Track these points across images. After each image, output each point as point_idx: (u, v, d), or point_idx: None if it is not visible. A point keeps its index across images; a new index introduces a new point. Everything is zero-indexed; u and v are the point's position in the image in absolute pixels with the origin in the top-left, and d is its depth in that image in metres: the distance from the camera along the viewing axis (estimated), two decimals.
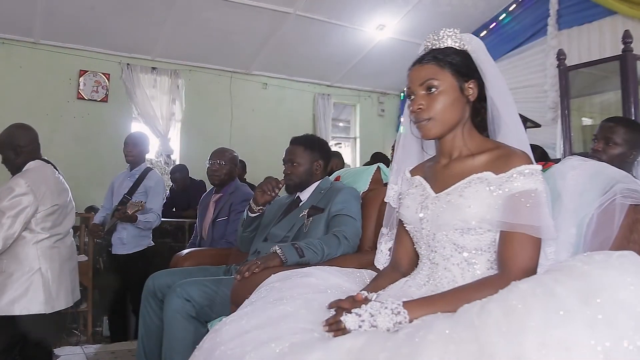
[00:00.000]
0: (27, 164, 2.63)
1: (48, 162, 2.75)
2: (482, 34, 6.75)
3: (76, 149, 5.72)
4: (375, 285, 1.44)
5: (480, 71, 1.41)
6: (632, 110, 3.17)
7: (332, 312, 1.24)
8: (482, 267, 1.30)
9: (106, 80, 5.97)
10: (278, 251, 1.93)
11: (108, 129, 5.97)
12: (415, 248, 1.49)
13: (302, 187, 2.45)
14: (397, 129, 8.32)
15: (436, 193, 1.38)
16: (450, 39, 1.44)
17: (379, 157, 4.57)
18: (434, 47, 1.45)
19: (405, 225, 1.45)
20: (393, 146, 3.33)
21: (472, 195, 1.28)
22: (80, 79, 5.86)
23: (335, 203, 2.24)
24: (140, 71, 6.14)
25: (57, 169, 2.78)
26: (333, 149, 8.32)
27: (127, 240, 3.60)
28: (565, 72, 3.03)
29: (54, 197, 2.63)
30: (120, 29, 5.69)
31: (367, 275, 1.61)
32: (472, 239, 1.29)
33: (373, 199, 2.38)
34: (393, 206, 1.57)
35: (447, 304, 1.16)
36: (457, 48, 1.43)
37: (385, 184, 2.66)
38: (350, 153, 8.27)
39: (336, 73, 7.39)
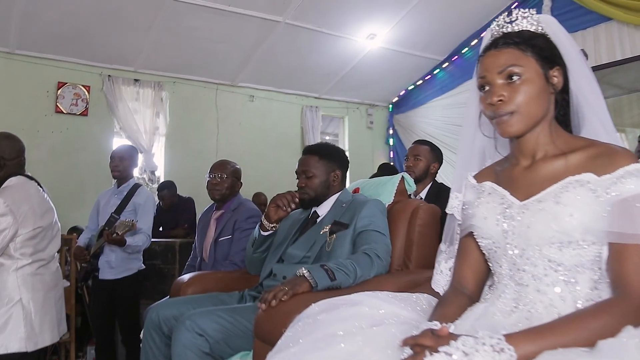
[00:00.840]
0: (8, 180, 2.32)
1: (32, 178, 2.44)
2: (473, 43, 6.66)
3: (54, 166, 5.37)
4: (443, 313, 1.19)
5: (563, 57, 1.19)
6: None
7: (406, 350, 0.99)
8: (585, 287, 1.06)
9: (86, 93, 5.64)
10: (305, 274, 1.67)
11: (88, 144, 5.63)
12: (485, 266, 1.25)
13: (319, 201, 2.21)
14: (387, 141, 8.20)
15: (521, 201, 1.14)
16: (525, 21, 1.23)
17: (387, 169, 4.34)
18: (506, 31, 1.23)
19: (479, 240, 1.21)
20: (407, 156, 3.11)
21: (572, 201, 1.06)
22: (59, 91, 5.51)
23: (362, 218, 2.00)
24: (122, 83, 5.83)
25: (41, 186, 2.48)
26: None
27: (116, 264, 3.29)
28: None
29: (36, 218, 2.33)
30: (101, 38, 5.38)
31: (425, 300, 1.36)
32: (572, 254, 1.06)
33: (400, 212, 2.15)
34: (457, 218, 1.33)
35: (561, 336, 0.92)
36: (534, 31, 1.21)
37: (410, 195, 2.44)
38: None
39: (324, 84, 7.19)
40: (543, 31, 1.21)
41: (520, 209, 1.12)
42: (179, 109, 6.22)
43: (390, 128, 8.14)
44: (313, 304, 1.35)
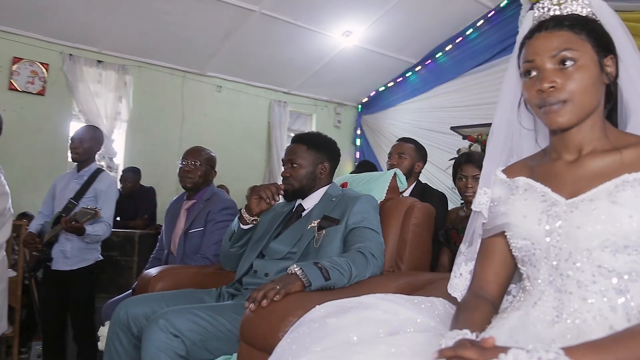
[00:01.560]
0: None
1: None
2: (447, 48, 6.64)
3: (6, 147, 4.99)
4: (470, 320, 1.05)
5: (616, 45, 1.08)
6: None
7: None
8: (637, 297, 0.95)
9: (44, 71, 5.28)
10: (297, 272, 1.51)
11: (44, 125, 5.27)
12: (511, 270, 1.13)
13: (303, 193, 2.06)
14: (353, 142, 8.10)
15: (567, 199, 1.02)
16: (576, 3, 1.10)
17: (367, 166, 4.22)
18: (554, 14, 1.11)
19: (514, 240, 1.08)
20: (390, 154, 2.99)
21: (631, 201, 0.94)
22: (14, 67, 5.11)
23: (354, 213, 1.86)
24: (84, 64, 5.48)
25: None
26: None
27: (72, 254, 3.02)
28: None
29: None
30: (64, 14, 5.01)
31: (440, 305, 1.23)
32: (627, 259, 0.95)
33: (393, 210, 2.02)
34: (485, 216, 1.19)
35: (629, 350, 0.81)
36: (585, 15, 1.10)
37: (402, 192, 2.32)
38: None
39: (295, 79, 7.02)
40: (595, 16, 1.10)
41: (568, 207, 1.00)
42: (143, 95, 5.93)
43: (358, 128, 8.05)
44: (317, 306, 1.20)
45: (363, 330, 1.05)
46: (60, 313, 3.12)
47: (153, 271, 2.16)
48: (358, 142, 8.03)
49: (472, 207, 1.23)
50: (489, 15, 6.18)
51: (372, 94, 7.81)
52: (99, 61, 5.61)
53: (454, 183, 2.68)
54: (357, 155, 7.90)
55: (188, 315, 1.59)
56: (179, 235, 2.61)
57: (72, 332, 3.15)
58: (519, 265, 1.11)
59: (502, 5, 6.03)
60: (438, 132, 6.68)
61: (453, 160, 3.56)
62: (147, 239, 4.48)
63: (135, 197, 4.82)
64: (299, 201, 2.08)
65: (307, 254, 1.84)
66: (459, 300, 1.23)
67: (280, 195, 1.97)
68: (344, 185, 2.24)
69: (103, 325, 2.21)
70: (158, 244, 2.85)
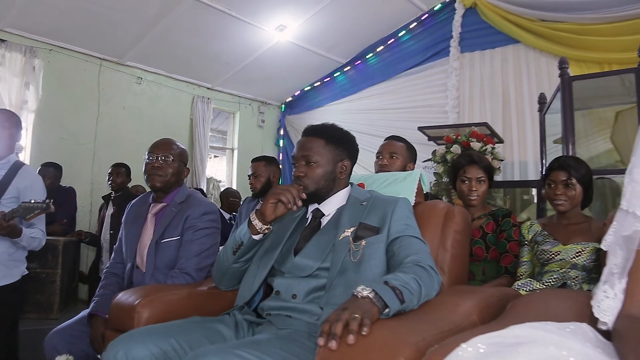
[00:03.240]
0: None
1: None
2: (379, 49, 6.60)
3: None
4: None
5: None
6: None
7: None
8: None
9: None
10: (370, 295, 1.20)
11: None
12: None
13: (320, 196, 1.72)
14: (277, 142, 7.82)
15: None
16: None
17: None
18: None
19: None
20: (379, 154, 2.77)
21: None
22: None
23: (396, 220, 1.59)
24: None
25: None
26: (209, 161, 7.49)
27: None
28: (568, 82, 2.77)
29: None
30: None
31: (589, 331, 1.03)
32: None
33: (430, 216, 1.80)
34: None
35: None
36: None
37: (426, 195, 2.10)
38: (226, 166, 7.48)
39: (219, 75, 6.62)
40: None
41: None
42: (54, 83, 5.21)
43: (282, 129, 7.79)
44: (463, 344, 0.95)
45: None
46: None
47: (131, 296, 1.71)
48: (281, 143, 7.76)
49: (623, 206, 1.04)
50: (423, 18, 6.22)
51: (296, 94, 7.59)
52: (2, 40, 4.83)
53: (453, 186, 2.53)
54: (281, 157, 7.62)
55: (230, 357, 1.24)
56: (146, 246, 2.17)
57: None
58: None
59: (435, 8, 6.09)
60: (369, 134, 6.60)
61: (428, 162, 3.46)
62: (70, 247, 3.91)
63: (52, 198, 4.17)
64: (314, 206, 1.76)
65: (344, 270, 1.54)
66: (608, 325, 1.04)
67: (301, 200, 1.64)
68: (360, 186, 1.97)
69: None
70: (114, 256, 2.38)
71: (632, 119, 3.75)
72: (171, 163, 2.24)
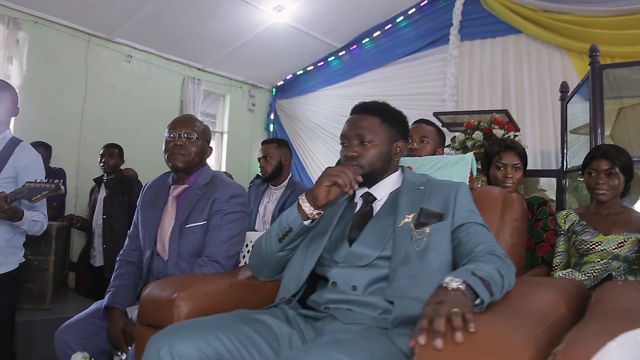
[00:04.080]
0: None
1: None
2: (375, 34, 6.47)
3: None
4: None
5: None
6: None
7: None
8: None
9: None
10: (462, 287, 1.09)
11: None
12: None
13: (373, 179, 1.58)
14: (267, 127, 7.63)
15: None
16: None
17: None
18: None
19: None
20: (409, 137, 2.64)
21: None
22: None
23: (460, 206, 1.47)
24: None
25: None
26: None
27: None
28: (599, 70, 2.69)
29: None
30: None
31: None
32: None
33: (488, 202, 1.69)
34: None
35: None
36: None
37: (477, 179, 1.99)
38: (215, 150, 7.27)
39: (211, 55, 6.40)
40: None
41: None
42: (39, 58, 4.93)
43: (272, 113, 7.61)
44: (611, 342, 0.83)
45: None
46: None
47: (165, 289, 1.53)
48: (272, 127, 7.59)
49: None
50: (422, 5, 6.10)
51: (288, 78, 7.42)
52: None
53: (486, 172, 2.42)
54: None
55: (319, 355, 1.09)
56: (168, 232, 2.00)
57: None
58: None
59: None
60: None
61: (446, 148, 3.33)
62: (62, 233, 3.69)
63: None
64: (362, 189, 1.61)
65: (407, 259, 1.41)
66: None
67: (358, 183, 1.49)
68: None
69: None
70: (128, 242, 2.20)
71: (634, 116, 3.72)
72: (195, 141, 2.06)
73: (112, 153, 4.25)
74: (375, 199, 1.59)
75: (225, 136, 7.14)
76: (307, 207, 1.49)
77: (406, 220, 1.48)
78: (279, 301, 1.54)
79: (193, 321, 1.34)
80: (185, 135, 2.04)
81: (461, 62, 5.76)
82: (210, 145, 2.20)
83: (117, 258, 2.17)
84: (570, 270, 2.08)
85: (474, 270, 1.18)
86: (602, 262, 2.05)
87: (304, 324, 1.42)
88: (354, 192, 1.52)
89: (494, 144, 2.39)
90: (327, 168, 1.48)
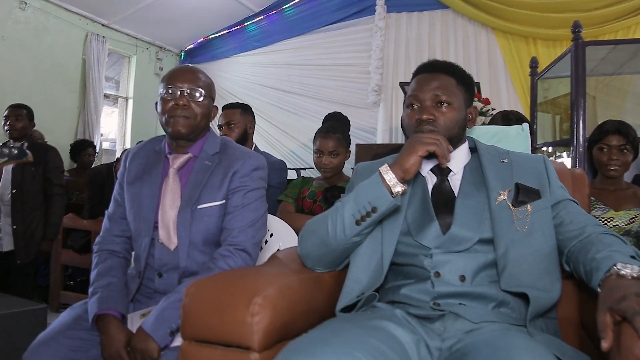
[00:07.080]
0: None
1: None
2: (297, 0, 6.21)
3: None
4: None
5: None
6: None
7: None
8: None
9: None
10: (636, 274, 0.99)
11: None
12: None
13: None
14: None
15: None
16: None
17: (340, 119, 3.57)
18: None
19: None
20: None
21: None
22: None
23: (554, 181, 1.34)
24: None
25: None
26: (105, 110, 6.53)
27: None
28: (582, 46, 2.72)
29: None
30: None
31: None
32: None
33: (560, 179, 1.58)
34: None
35: None
36: None
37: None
38: (118, 116, 6.62)
39: (117, 11, 5.77)
40: None
41: None
42: None
43: None
44: None
45: None
46: None
47: (227, 290, 1.14)
48: None
49: None
50: None
51: (199, 41, 6.93)
52: None
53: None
54: None
55: None
56: (174, 214, 1.58)
57: None
58: None
59: None
60: (282, 90, 6.28)
61: None
62: None
63: None
64: (430, 162, 1.37)
65: (515, 241, 1.25)
66: None
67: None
68: None
69: None
70: (108, 226, 1.69)
71: None
72: (202, 101, 1.63)
73: (20, 114, 3.62)
74: (450, 171, 1.38)
75: (130, 102, 6.52)
76: (392, 182, 1.24)
77: (502, 197, 1.30)
78: (357, 298, 1.29)
79: (314, 337, 1.04)
80: (188, 92, 1.60)
81: (387, 34, 5.73)
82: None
83: (95, 247, 1.69)
84: None
85: (634, 254, 1.08)
86: None
87: (420, 327, 1.19)
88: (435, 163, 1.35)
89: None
90: (414, 135, 1.28)
